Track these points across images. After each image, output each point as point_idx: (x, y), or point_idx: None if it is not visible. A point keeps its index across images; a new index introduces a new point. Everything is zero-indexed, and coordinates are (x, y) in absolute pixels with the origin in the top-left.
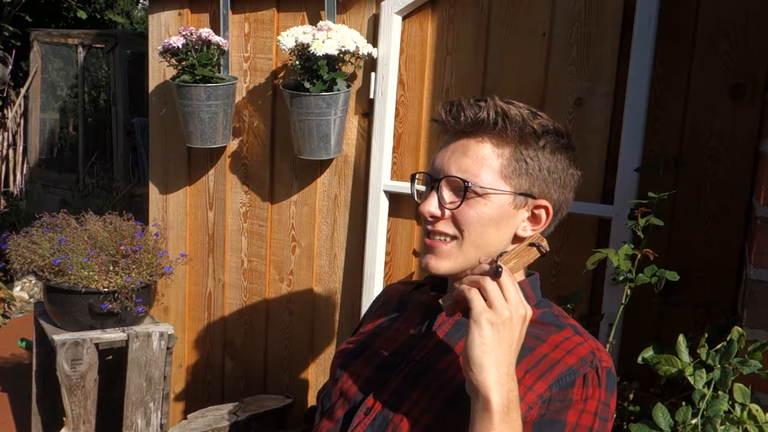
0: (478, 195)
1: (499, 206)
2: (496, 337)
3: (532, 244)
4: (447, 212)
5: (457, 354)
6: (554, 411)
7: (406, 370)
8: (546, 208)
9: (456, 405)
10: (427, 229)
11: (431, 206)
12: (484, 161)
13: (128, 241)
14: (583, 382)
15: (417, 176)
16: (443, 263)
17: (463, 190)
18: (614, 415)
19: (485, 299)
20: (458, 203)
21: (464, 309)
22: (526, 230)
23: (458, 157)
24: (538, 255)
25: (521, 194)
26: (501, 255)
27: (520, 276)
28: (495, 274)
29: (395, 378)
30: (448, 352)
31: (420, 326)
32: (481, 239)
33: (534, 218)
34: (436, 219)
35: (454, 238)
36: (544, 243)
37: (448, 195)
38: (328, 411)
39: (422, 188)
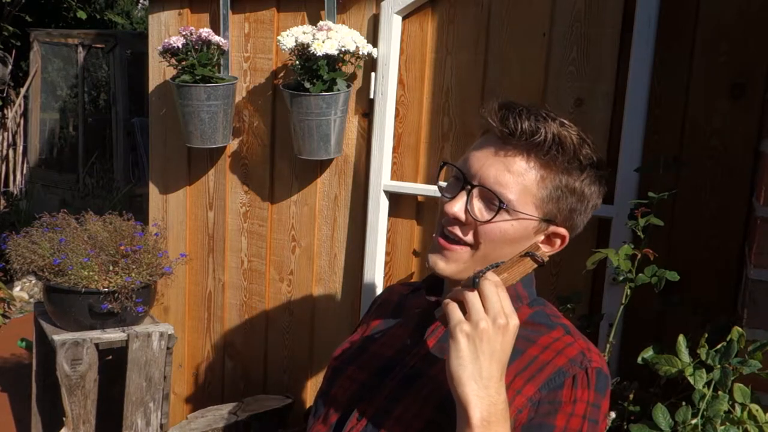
0: (508, 215)
1: (523, 228)
2: (473, 350)
3: (527, 254)
4: (470, 220)
5: None
6: (543, 414)
7: (399, 376)
8: (563, 238)
9: (446, 411)
10: (442, 227)
11: (456, 208)
12: (524, 185)
13: (128, 241)
14: (572, 383)
15: (445, 166)
16: (451, 266)
17: (497, 209)
18: (608, 416)
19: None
20: (487, 220)
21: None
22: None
23: (500, 168)
24: (535, 266)
25: (546, 220)
26: (495, 266)
27: None
28: (472, 284)
29: (388, 384)
30: (439, 359)
31: (415, 332)
32: (494, 253)
33: (548, 241)
34: (457, 222)
35: (468, 245)
36: (540, 252)
37: (477, 204)
38: (322, 415)
39: (444, 184)
